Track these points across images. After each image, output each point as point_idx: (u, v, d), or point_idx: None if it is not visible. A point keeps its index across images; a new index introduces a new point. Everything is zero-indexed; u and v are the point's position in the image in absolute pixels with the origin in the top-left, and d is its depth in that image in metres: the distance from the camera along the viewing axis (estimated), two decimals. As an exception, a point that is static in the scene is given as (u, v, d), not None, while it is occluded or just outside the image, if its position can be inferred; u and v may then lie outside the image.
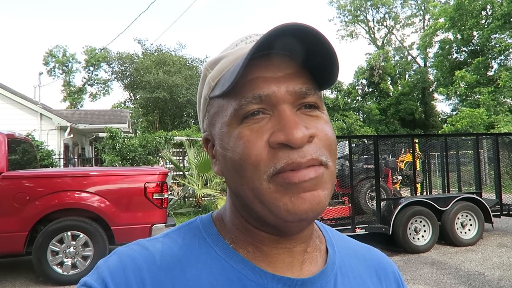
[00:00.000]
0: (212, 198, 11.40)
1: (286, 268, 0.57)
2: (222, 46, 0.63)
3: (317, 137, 0.51)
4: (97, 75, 37.75)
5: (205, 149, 0.61)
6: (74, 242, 5.05)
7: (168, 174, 5.68)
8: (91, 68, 36.74)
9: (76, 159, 14.95)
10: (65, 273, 5.02)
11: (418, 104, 32.43)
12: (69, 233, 5.04)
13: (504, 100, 24.10)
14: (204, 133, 0.60)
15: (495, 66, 27.35)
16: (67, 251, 5.03)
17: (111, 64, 25.79)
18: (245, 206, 0.55)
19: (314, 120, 0.53)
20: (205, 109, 0.59)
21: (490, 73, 26.98)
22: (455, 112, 28.60)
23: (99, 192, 5.20)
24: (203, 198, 11.26)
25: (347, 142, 6.96)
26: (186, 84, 22.31)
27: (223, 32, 67.36)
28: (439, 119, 33.01)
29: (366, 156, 7.62)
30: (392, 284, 0.67)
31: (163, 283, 0.52)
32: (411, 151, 7.76)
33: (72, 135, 14.73)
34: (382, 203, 6.60)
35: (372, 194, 7.02)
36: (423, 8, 35.27)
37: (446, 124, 23.34)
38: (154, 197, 5.24)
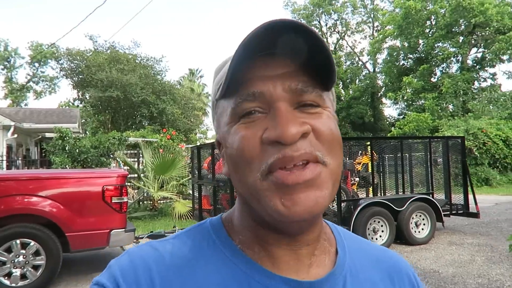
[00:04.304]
0: (168, 201, 11.13)
1: (292, 270, 0.56)
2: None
3: (315, 132, 0.51)
4: (43, 72, 35.75)
5: (218, 151, 0.62)
6: (23, 251, 4.67)
7: (127, 176, 5.44)
8: (37, 65, 34.73)
9: (20, 161, 14.05)
10: (13, 284, 4.63)
11: (368, 108, 33.70)
12: (18, 241, 4.66)
13: (446, 105, 25.68)
14: (217, 135, 0.61)
15: (438, 73, 29.12)
16: (15, 260, 4.63)
17: (60, 60, 24.39)
18: (247, 203, 0.56)
19: (314, 116, 0.52)
20: (214, 112, 0.61)
21: (433, 80, 28.64)
22: (401, 116, 30.05)
23: (52, 196, 4.86)
24: (159, 201, 10.96)
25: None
26: (140, 83, 21.52)
27: (179, 31, 66.32)
28: (387, 122, 34.52)
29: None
30: (407, 287, 0.65)
31: (172, 283, 0.53)
32: (367, 153, 8.00)
33: (16, 135, 13.97)
34: (343, 204, 6.74)
35: (333, 195, 7.14)
36: (372, 16, 36.71)
37: (394, 128, 24.45)
38: (112, 201, 5.00)
